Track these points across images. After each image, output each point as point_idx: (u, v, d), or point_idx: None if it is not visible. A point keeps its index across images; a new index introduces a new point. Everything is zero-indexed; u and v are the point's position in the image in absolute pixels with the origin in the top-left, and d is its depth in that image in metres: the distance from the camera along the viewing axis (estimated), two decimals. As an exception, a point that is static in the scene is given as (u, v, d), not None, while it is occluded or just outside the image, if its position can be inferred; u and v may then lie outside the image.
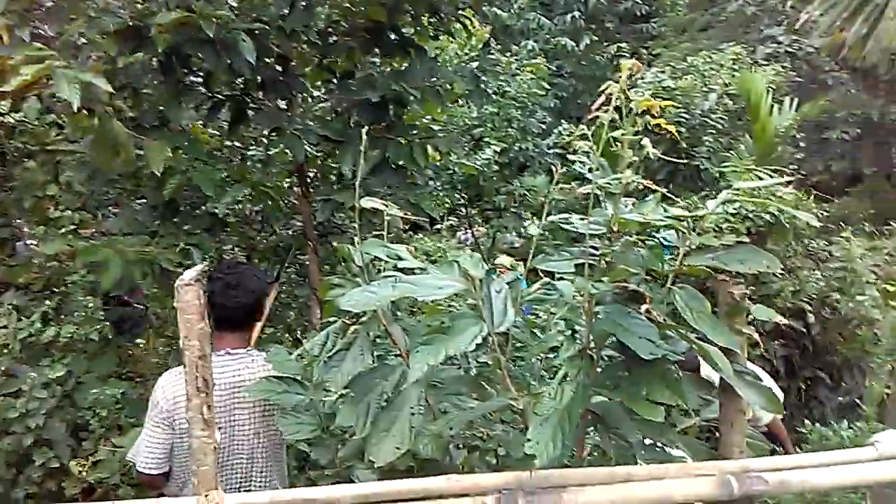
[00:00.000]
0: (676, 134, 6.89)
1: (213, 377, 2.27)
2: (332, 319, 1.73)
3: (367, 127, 4.19)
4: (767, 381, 4.90)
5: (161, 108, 3.45)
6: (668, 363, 1.50)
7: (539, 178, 14.62)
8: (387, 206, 1.73)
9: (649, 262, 1.46)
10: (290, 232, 4.53)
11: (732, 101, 11.06)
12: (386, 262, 1.72)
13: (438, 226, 12.99)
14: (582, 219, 1.59)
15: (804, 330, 5.78)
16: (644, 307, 1.36)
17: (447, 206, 11.51)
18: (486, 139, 11.13)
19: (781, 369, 5.88)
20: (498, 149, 10.72)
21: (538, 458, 1.36)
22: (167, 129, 3.52)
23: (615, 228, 1.55)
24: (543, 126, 12.17)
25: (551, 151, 12.06)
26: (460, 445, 1.94)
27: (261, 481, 2.35)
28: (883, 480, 1.84)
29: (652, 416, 1.39)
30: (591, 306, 1.46)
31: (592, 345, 1.59)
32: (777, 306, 5.84)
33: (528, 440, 1.40)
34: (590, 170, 1.62)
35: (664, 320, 1.45)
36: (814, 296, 5.86)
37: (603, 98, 1.48)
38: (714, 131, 9.71)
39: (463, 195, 11.18)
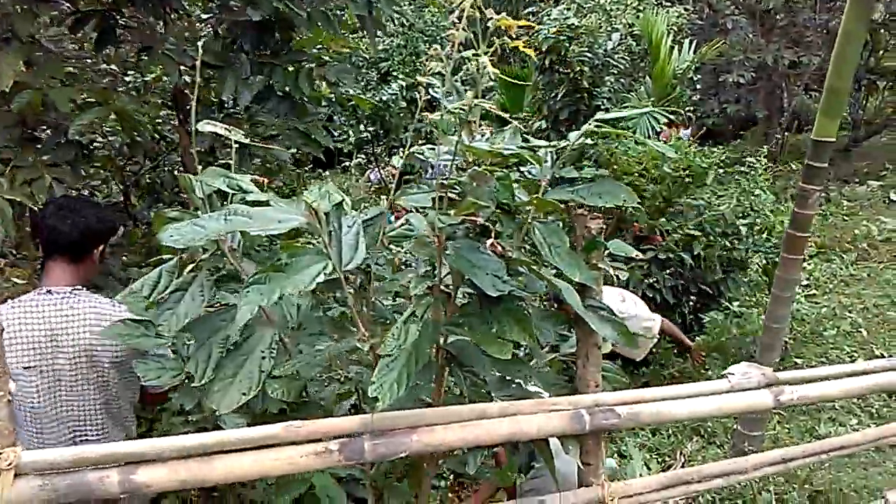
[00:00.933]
0: (579, 73, 6.89)
1: (28, 319, 2.09)
2: (167, 257, 1.58)
3: (250, 51, 4.00)
4: (644, 312, 5.11)
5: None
6: (517, 300, 1.45)
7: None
8: (230, 130, 1.57)
9: (500, 195, 1.38)
10: (169, 168, 4.24)
11: (636, 41, 11.19)
12: (234, 194, 1.58)
13: (347, 163, 12.64)
14: (432, 149, 1.50)
15: (691, 260, 6.07)
16: (489, 242, 1.29)
17: (351, 142, 11.23)
18: (394, 73, 10.83)
19: (670, 298, 6.15)
20: (404, 83, 10.46)
21: (381, 401, 1.29)
22: (18, 41, 3.13)
23: (469, 159, 1.46)
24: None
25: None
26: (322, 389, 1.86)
27: (96, 433, 2.19)
28: (734, 411, 1.89)
29: (500, 354, 1.34)
30: (441, 241, 1.38)
31: (448, 281, 1.52)
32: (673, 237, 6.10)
33: (373, 382, 1.32)
34: (447, 95, 1.51)
35: (515, 255, 1.39)
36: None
37: (456, 14, 1.37)
38: (616, 71, 9.79)
39: (369, 131, 10.91)
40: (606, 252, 1.64)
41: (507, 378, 1.65)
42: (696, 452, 5.12)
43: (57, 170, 3.29)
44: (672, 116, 9.20)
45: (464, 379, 1.53)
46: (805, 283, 8.63)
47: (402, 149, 10.68)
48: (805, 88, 15.57)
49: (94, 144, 3.94)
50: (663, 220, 6.20)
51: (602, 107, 9.84)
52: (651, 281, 6.11)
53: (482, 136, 1.57)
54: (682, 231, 6.19)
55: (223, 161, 4.33)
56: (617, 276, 1.63)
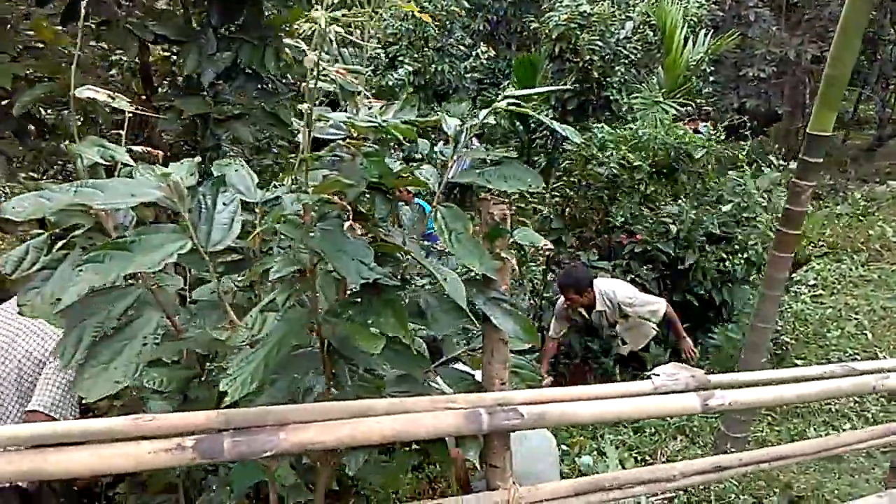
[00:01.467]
0: (589, 62, 6.65)
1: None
2: (38, 232, 1.50)
3: (217, 26, 3.89)
4: (648, 296, 4.98)
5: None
6: (397, 289, 1.34)
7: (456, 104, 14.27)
8: (112, 98, 1.47)
9: (370, 173, 1.27)
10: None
11: (652, 31, 10.92)
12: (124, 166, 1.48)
13: None
14: (318, 120, 1.39)
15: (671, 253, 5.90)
16: (346, 224, 1.18)
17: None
18: (401, 58, 10.68)
19: (655, 290, 6.00)
20: (411, 69, 10.31)
21: (230, 395, 1.19)
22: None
23: (354, 134, 1.35)
24: (463, 47, 11.77)
25: (468, 76, 11.73)
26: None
27: (18, 415, 2.14)
28: (656, 415, 1.77)
29: (371, 347, 1.24)
30: (307, 222, 1.28)
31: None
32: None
33: (228, 374, 1.23)
34: (336, 60, 1.40)
35: (385, 240, 1.28)
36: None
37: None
38: (627, 61, 9.55)
39: (375, 116, 10.77)
40: (511, 240, 1.52)
41: (406, 374, 1.54)
42: (679, 452, 4.98)
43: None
44: (681, 109, 8.95)
45: (349, 373, 1.43)
46: (812, 283, 8.39)
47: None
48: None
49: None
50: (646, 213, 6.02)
51: (612, 97, 9.63)
52: (632, 277, 5.95)
53: (369, 108, 1.45)
54: (655, 220, 6.02)
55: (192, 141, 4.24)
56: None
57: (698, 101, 9.88)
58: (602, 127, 7.19)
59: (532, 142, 11.18)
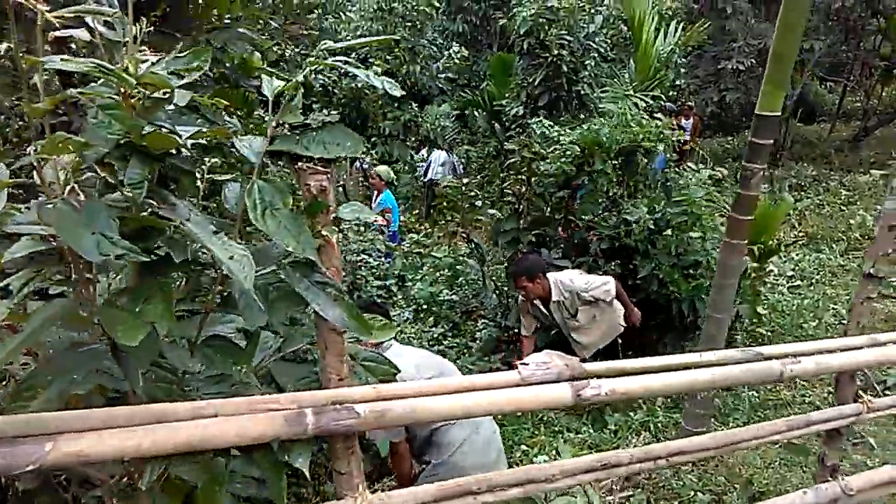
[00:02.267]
0: (559, 57, 6.42)
1: None
2: None
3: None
4: (597, 278, 4.79)
5: None
6: (170, 270, 1.18)
7: (436, 107, 14.14)
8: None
9: (108, 129, 1.08)
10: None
11: (625, 24, 10.78)
12: None
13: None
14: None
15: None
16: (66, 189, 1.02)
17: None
18: (371, 60, 10.55)
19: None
20: (380, 70, 10.14)
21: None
22: None
23: (123, 90, 1.17)
24: (435, 48, 11.65)
25: (441, 76, 11.59)
26: None
27: None
28: (523, 408, 1.61)
29: (127, 339, 1.07)
30: (61, 191, 1.11)
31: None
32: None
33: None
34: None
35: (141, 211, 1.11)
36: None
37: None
38: (597, 55, 9.41)
39: (349, 119, 10.64)
40: (334, 216, 1.36)
41: (222, 373, 1.38)
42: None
43: None
44: (652, 102, 8.79)
45: (138, 373, 1.26)
46: (790, 273, 8.22)
47: (379, 138, 10.40)
48: (812, 76, 15.01)
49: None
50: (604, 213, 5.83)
51: (582, 92, 9.49)
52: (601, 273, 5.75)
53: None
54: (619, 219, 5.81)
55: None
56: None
57: (671, 93, 9.72)
58: (541, 122, 6.96)
59: (507, 139, 11.04)
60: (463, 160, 12.44)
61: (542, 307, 5.10)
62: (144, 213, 1.13)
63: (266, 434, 1.30)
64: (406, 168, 10.89)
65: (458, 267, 7.63)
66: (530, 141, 6.37)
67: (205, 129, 1.26)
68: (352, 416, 1.38)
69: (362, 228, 7.66)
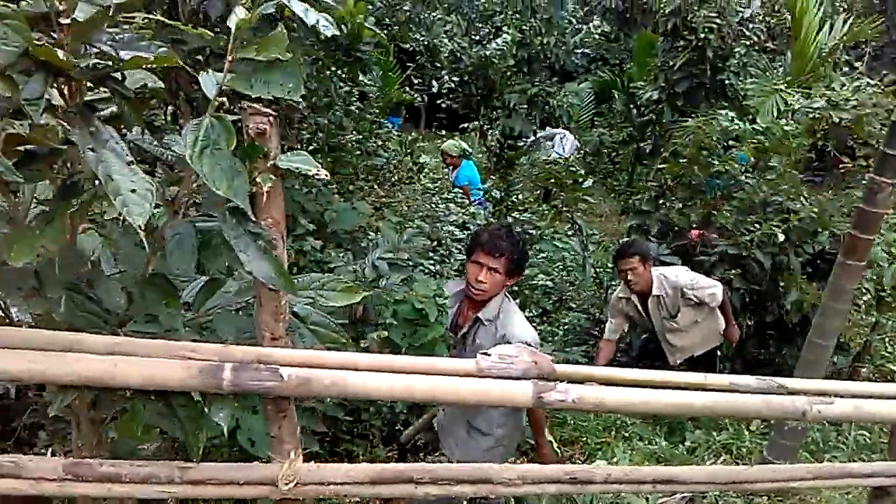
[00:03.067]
0: (706, 41, 5.87)
1: None
2: None
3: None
4: (705, 280, 4.36)
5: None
6: (72, 194, 1.13)
7: (576, 85, 13.67)
8: None
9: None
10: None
11: (788, 11, 9.82)
12: None
13: (465, 125, 12.24)
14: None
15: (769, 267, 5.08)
16: None
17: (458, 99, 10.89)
18: (504, 28, 10.30)
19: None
20: (510, 38, 9.87)
21: None
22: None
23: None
24: (575, 20, 11.20)
25: (577, 52, 11.15)
26: None
27: None
28: (471, 400, 1.47)
29: (13, 259, 1.04)
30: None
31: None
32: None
33: None
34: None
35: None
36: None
37: None
38: (749, 43, 8.63)
39: (476, 88, 10.52)
40: (272, 162, 1.26)
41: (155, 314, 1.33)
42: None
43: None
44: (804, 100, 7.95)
45: (59, 298, 1.24)
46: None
47: (503, 111, 10.18)
48: None
49: None
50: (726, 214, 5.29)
51: (727, 81, 8.76)
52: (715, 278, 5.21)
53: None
54: (761, 227, 5.18)
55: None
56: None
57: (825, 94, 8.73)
58: (726, 114, 6.32)
59: (644, 126, 10.46)
60: (596, 144, 11.97)
61: (638, 304, 4.75)
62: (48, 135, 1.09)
63: (175, 382, 1.25)
64: (528, 146, 10.63)
65: (564, 252, 7.36)
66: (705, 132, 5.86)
67: (145, 55, 1.19)
68: (273, 379, 1.29)
69: (461, 199, 7.59)
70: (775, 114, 8.16)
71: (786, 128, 5.31)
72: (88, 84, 1.26)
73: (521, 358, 1.44)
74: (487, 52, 9.27)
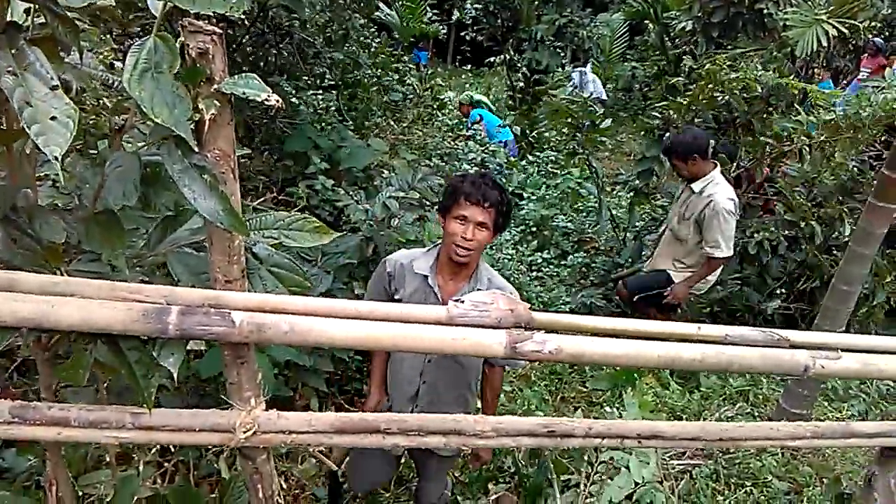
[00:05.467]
0: None
1: None
2: None
3: None
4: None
5: None
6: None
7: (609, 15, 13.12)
8: None
9: None
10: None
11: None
12: None
13: (492, 59, 11.84)
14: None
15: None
16: None
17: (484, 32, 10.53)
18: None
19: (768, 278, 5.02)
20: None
21: None
22: None
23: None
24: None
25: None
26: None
27: None
28: (437, 349, 1.38)
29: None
30: None
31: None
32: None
33: None
34: None
35: None
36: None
37: None
38: (789, -32, 8.08)
39: (502, 19, 10.15)
40: (216, 86, 1.14)
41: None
42: (729, 419, 4.33)
43: None
44: (846, 31, 7.46)
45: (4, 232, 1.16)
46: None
47: (529, 44, 9.81)
48: None
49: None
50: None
51: (765, 10, 8.26)
52: (759, 237, 4.86)
53: None
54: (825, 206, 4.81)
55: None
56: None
57: (876, 25, 8.21)
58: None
59: (678, 59, 10.00)
60: (628, 78, 11.50)
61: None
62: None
63: (117, 325, 1.17)
64: (557, 81, 10.26)
65: (580, 192, 7.17)
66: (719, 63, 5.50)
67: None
68: (224, 324, 1.21)
69: (481, 137, 7.38)
70: (814, 46, 7.71)
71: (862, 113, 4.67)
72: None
73: (497, 305, 1.33)
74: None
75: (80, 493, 2.35)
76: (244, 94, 1.14)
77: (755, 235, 4.86)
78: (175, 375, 1.24)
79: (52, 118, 0.99)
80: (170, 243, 1.38)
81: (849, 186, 4.84)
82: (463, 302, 1.33)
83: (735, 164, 4.96)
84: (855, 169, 4.92)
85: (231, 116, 1.18)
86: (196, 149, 1.14)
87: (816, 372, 1.38)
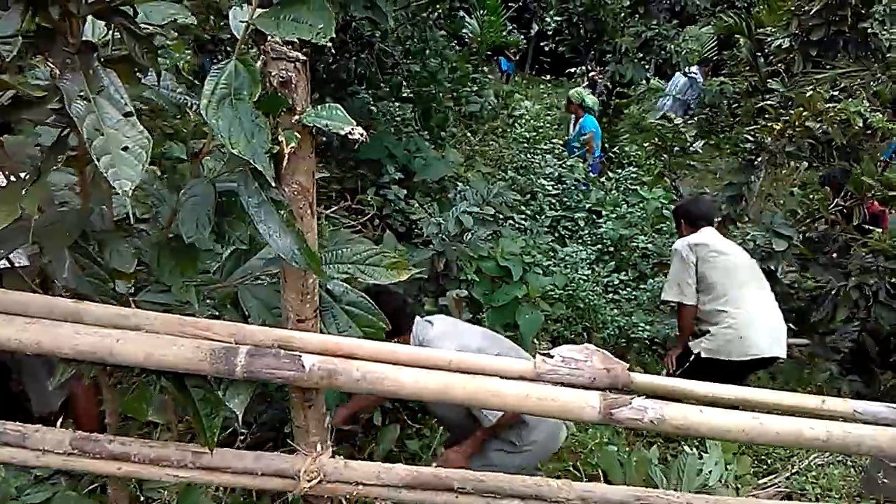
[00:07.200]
0: None
1: None
2: None
3: None
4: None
5: None
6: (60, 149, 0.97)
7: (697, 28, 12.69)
8: None
9: None
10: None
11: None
12: None
13: (572, 70, 11.62)
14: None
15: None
16: None
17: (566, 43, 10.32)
18: (615, -37, 9.55)
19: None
20: (627, -23, 9.15)
21: None
22: None
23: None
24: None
25: (707, -7, 10.21)
26: None
27: None
28: (525, 409, 1.26)
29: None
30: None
31: None
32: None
33: None
34: None
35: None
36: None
37: None
38: (902, -13, 7.58)
39: (585, 31, 9.90)
40: (297, 117, 1.05)
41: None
42: (820, 468, 4.01)
43: None
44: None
45: (63, 262, 1.11)
46: None
47: (613, 56, 9.53)
48: None
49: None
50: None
51: (870, 30, 7.77)
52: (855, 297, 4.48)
53: None
54: None
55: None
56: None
57: None
58: None
59: (771, 76, 9.56)
60: (716, 94, 11.04)
61: None
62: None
63: (182, 364, 1.10)
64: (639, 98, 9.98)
65: (664, 213, 6.87)
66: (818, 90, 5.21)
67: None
68: (294, 368, 1.12)
69: (562, 151, 7.18)
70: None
71: None
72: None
73: (591, 363, 1.19)
74: (591, -7, 8.64)
75: (142, 499, 2.33)
76: (327, 126, 1.05)
77: (851, 278, 4.49)
78: (240, 417, 1.16)
79: (124, 148, 0.92)
80: (242, 273, 1.31)
81: None
82: (552, 357, 1.20)
83: (842, 194, 4.61)
84: None
85: (312, 149, 1.09)
86: (273, 182, 1.05)
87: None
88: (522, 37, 9.71)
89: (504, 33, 8.99)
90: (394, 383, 1.14)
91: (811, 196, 5.08)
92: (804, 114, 5.18)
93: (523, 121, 8.41)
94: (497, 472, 2.51)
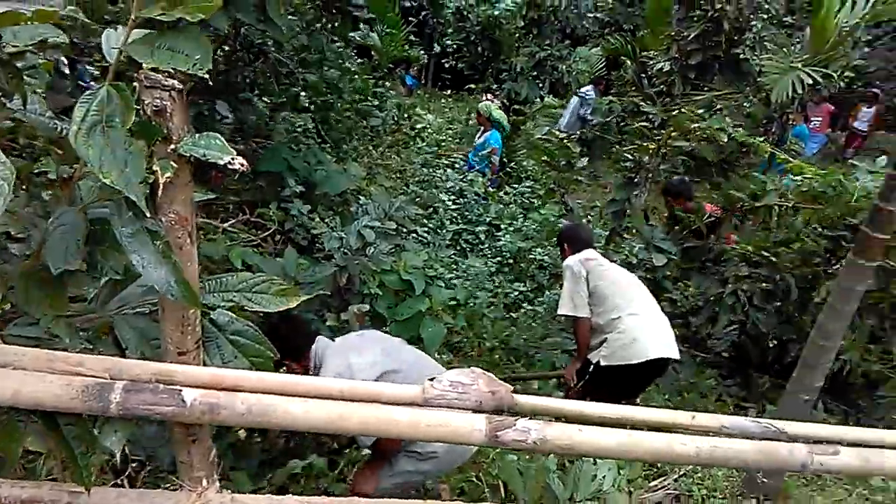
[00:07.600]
0: (722, 11, 5.33)
1: None
2: None
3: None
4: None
5: None
6: None
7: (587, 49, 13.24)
8: None
9: None
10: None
11: (810, -19, 9.38)
12: None
13: (472, 86, 11.79)
14: None
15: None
16: None
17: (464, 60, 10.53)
18: (510, -12, 9.86)
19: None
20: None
21: None
22: None
23: None
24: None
25: (590, 15, 10.68)
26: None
27: None
28: (406, 434, 1.26)
29: None
30: None
31: None
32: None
33: None
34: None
35: None
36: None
37: None
38: (767, 17, 8.23)
39: (482, 49, 10.14)
40: (174, 146, 1.02)
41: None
42: (705, 469, 4.22)
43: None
44: (821, 80, 7.58)
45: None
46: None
47: (509, 74, 9.80)
48: None
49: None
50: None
51: (741, 56, 8.39)
52: (731, 302, 4.74)
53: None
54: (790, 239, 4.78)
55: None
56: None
57: (847, 75, 8.34)
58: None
59: (654, 97, 10.11)
60: (604, 112, 11.56)
61: None
62: None
63: (51, 401, 1.04)
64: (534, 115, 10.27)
65: (557, 226, 7.12)
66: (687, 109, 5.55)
67: (22, 10, 0.95)
68: (174, 403, 1.08)
69: (462, 164, 7.30)
70: (789, 93, 7.85)
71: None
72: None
73: (477, 387, 1.22)
74: (496, 13, 8.86)
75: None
76: (204, 156, 1.02)
77: (728, 284, 4.81)
78: (118, 456, 1.11)
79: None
80: (118, 303, 1.25)
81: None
82: (441, 381, 1.22)
83: (685, 201, 4.94)
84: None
85: (190, 177, 1.06)
86: (148, 212, 1.02)
87: (815, 469, 1.29)
88: (423, 52, 9.80)
89: (406, 48, 9.04)
90: (284, 415, 1.12)
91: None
92: (673, 133, 5.52)
93: (425, 133, 8.49)
94: (409, 478, 2.53)
